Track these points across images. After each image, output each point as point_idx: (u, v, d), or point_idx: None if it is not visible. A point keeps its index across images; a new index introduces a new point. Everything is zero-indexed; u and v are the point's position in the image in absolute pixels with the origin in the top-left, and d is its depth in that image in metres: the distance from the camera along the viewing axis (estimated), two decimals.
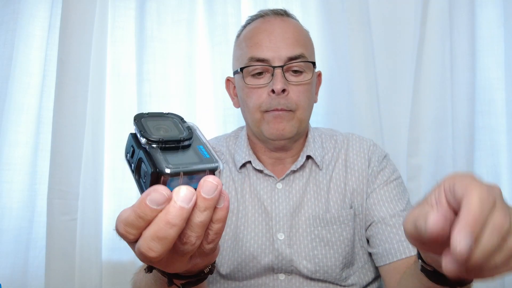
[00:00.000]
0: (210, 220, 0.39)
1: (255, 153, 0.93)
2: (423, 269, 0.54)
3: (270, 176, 0.91)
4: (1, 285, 1.15)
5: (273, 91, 0.84)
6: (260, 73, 0.87)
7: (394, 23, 1.28)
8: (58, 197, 1.19)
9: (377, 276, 0.93)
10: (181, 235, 0.37)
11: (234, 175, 0.93)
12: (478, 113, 1.20)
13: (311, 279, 0.86)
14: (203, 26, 1.30)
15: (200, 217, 0.37)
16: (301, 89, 0.87)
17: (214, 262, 0.55)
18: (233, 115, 1.27)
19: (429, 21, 1.24)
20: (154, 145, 0.38)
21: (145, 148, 0.39)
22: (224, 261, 0.87)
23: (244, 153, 0.93)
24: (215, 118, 1.29)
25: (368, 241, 0.90)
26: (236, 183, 0.92)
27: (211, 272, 0.53)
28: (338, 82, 1.27)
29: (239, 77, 0.90)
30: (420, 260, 0.54)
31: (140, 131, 0.39)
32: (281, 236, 0.86)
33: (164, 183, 0.37)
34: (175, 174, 0.37)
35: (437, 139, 1.24)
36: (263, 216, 0.88)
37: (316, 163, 0.91)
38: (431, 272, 0.53)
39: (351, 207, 0.89)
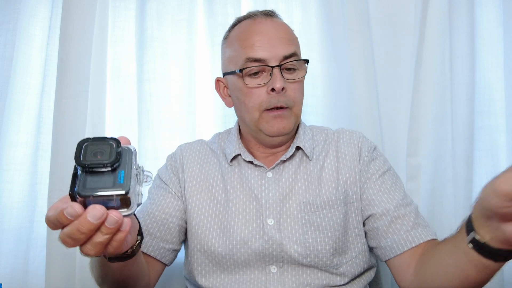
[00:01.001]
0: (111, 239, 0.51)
1: (246, 147, 0.98)
2: (474, 242, 0.61)
3: (260, 166, 0.94)
4: (2, 284, 1.15)
5: (272, 89, 0.87)
6: (256, 73, 0.90)
7: (394, 23, 1.28)
8: (59, 197, 1.18)
9: (369, 268, 0.95)
10: (82, 246, 0.50)
11: (224, 168, 0.97)
12: (477, 113, 1.20)
13: (303, 265, 0.87)
14: (203, 26, 1.30)
15: (100, 238, 0.50)
16: (297, 86, 0.91)
17: (139, 245, 0.68)
18: (233, 115, 1.26)
19: (429, 21, 1.24)
20: (80, 169, 0.47)
21: (76, 169, 0.48)
22: (214, 248, 0.89)
23: (234, 147, 0.97)
24: (215, 118, 1.29)
25: (368, 234, 0.92)
26: (225, 175, 0.96)
27: (133, 253, 0.67)
28: (338, 82, 1.28)
29: (236, 78, 0.92)
30: (473, 232, 0.61)
31: (75, 155, 0.47)
32: (270, 222, 0.89)
33: (82, 202, 0.47)
34: (85, 197, 0.46)
35: (436, 139, 1.24)
36: (254, 204, 0.91)
37: (306, 154, 0.95)
38: (482, 245, 0.60)
39: (344, 193, 0.91)
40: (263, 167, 0.94)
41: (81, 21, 1.22)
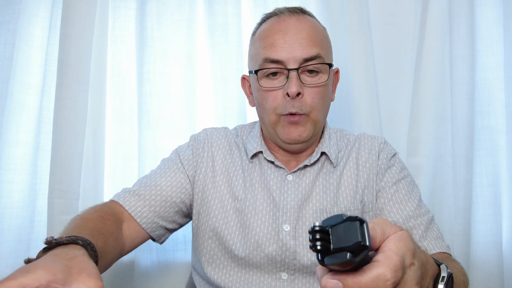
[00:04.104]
0: None
1: (267, 146, 0.94)
2: None
3: (281, 167, 0.91)
4: None
5: (288, 94, 0.83)
6: (275, 73, 0.86)
7: (394, 23, 1.29)
8: (59, 197, 1.20)
9: None
10: None
11: (245, 164, 0.94)
12: (477, 113, 1.20)
13: (315, 274, 0.85)
14: (203, 26, 1.30)
15: None
16: (316, 91, 0.86)
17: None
18: (233, 114, 1.27)
19: (429, 21, 1.24)
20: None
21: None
22: (235, 247, 0.88)
23: (256, 143, 0.93)
24: (215, 118, 1.29)
25: None
26: (245, 171, 0.93)
27: None
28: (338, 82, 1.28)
29: (254, 78, 0.89)
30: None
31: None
32: (286, 228, 0.87)
33: None
34: None
35: (436, 139, 1.24)
36: (271, 207, 0.89)
37: (330, 160, 0.92)
38: None
39: (361, 203, 0.89)
40: (283, 168, 0.91)
41: (81, 21, 1.23)
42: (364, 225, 0.38)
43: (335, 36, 1.26)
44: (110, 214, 0.82)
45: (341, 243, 0.37)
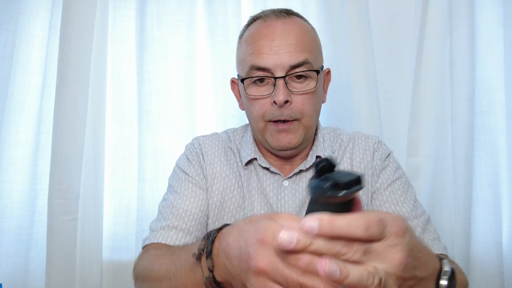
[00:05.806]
0: None
1: (261, 151, 0.93)
2: None
3: (276, 173, 0.90)
4: (2, 284, 1.15)
5: (275, 102, 0.81)
6: (262, 80, 0.84)
7: (394, 23, 1.29)
8: (59, 197, 1.20)
9: None
10: None
11: (241, 170, 0.92)
12: (477, 113, 1.20)
13: None
14: (203, 26, 1.30)
15: None
16: (306, 97, 0.84)
17: None
18: (233, 115, 1.27)
19: (429, 21, 1.24)
20: None
21: None
22: None
23: (250, 150, 0.91)
24: (215, 118, 1.29)
25: None
26: (242, 177, 0.91)
27: None
28: (338, 82, 1.27)
29: (242, 85, 0.87)
30: None
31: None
32: None
33: None
34: None
35: (436, 139, 1.24)
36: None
37: None
38: None
39: None
40: (279, 174, 0.89)
41: (81, 21, 1.23)
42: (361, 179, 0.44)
43: (335, 36, 1.26)
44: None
45: (340, 179, 0.43)
